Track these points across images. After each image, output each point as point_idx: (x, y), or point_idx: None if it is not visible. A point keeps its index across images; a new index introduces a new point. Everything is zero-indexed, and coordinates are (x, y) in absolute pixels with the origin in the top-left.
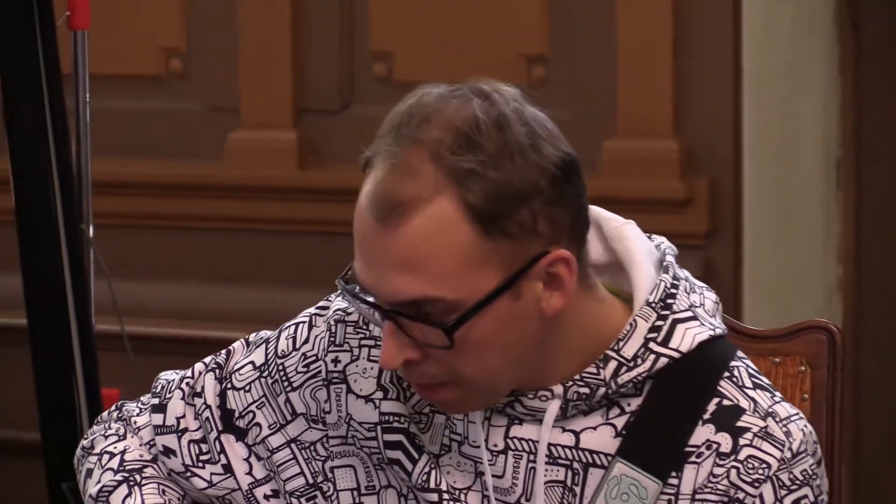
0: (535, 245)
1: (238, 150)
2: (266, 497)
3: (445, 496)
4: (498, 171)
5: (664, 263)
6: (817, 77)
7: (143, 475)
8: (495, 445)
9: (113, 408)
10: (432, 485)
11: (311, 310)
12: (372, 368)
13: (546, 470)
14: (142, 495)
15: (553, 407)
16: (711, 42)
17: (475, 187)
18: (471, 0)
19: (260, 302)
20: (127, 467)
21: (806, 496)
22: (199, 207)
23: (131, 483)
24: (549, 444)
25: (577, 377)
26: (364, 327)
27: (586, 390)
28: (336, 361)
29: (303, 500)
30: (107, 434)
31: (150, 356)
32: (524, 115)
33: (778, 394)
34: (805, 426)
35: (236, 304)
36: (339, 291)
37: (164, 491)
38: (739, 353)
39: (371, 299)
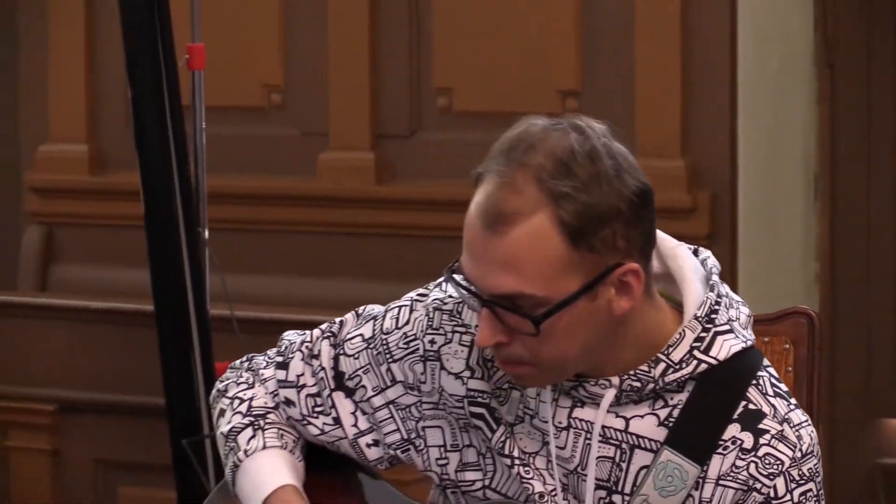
0: (612, 257)
1: (327, 168)
2: (368, 445)
3: (517, 461)
4: (588, 196)
5: (710, 282)
6: (799, 108)
7: (267, 420)
8: (560, 423)
9: (245, 358)
10: (507, 451)
11: (413, 295)
12: (462, 351)
13: (599, 447)
14: (264, 438)
15: (609, 395)
16: (712, 79)
17: (569, 207)
18: (516, 45)
19: (343, 291)
20: (254, 412)
21: (811, 489)
22: (295, 214)
23: (256, 427)
24: (604, 426)
25: (632, 372)
26: (457, 316)
27: (638, 384)
28: (433, 342)
29: (398, 451)
30: (238, 381)
31: (255, 336)
32: (611, 149)
33: (793, 401)
34: (812, 432)
35: (324, 293)
36: (439, 280)
37: (282, 435)
38: (765, 363)
39: (473, 289)
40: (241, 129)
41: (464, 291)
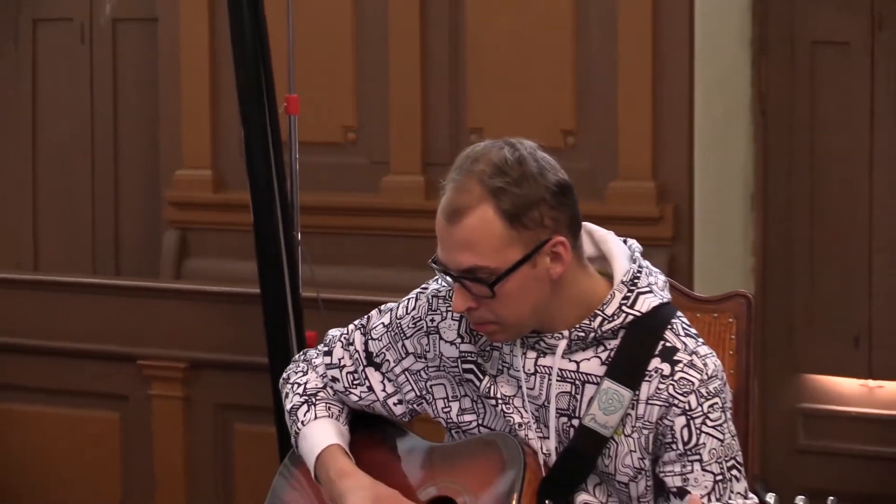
0: (544, 234)
1: (388, 188)
2: (394, 404)
3: (500, 402)
4: (519, 188)
5: (633, 257)
6: (740, 144)
7: (317, 398)
8: (528, 370)
9: (301, 353)
10: (492, 395)
11: (417, 290)
12: (454, 324)
13: (558, 385)
14: (315, 411)
15: (562, 344)
16: (675, 122)
17: (504, 198)
18: (529, 96)
19: (399, 278)
20: (308, 392)
21: (717, 402)
22: (365, 222)
23: (310, 403)
24: (560, 369)
25: (577, 326)
26: (449, 300)
27: (582, 334)
28: (433, 320)
29: (415, 406)
30: (296, 371)
31: (334, 311)
32: (536, 155)
33: (700, 340)
34: (716, 361)
35: (386, 280)
36: (436, 277)
37: (329, 408)
38: (678, 314)
39: (446, 269)
40: (324, 158)
41: (441, 273)
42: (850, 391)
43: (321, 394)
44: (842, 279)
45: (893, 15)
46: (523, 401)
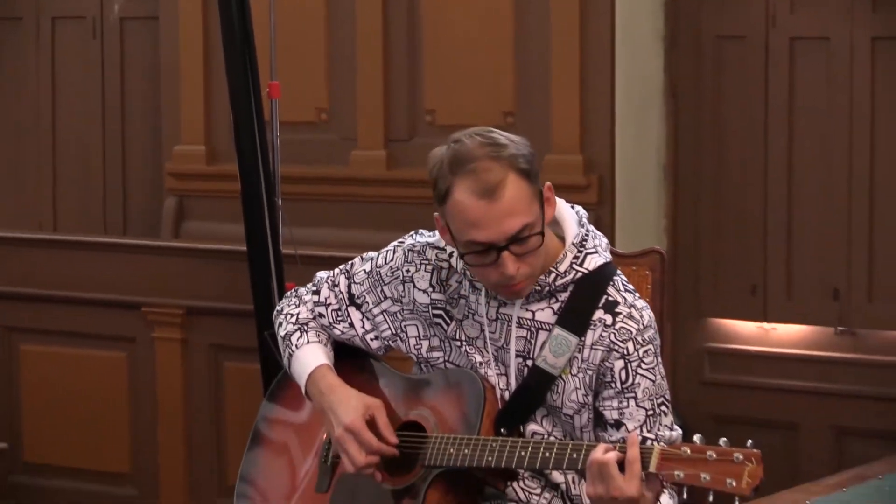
0: (540, 184)
1: (356, 161)
2: (371, 339)
3: (464, 343)
4: (520, 152)
5: (581, 222)
6: (654, 122)
7: (309, 326)
8: (491, 317)
9: (292, 291)
10: (457, 337)
11: (395, 242)
12: (426, 275)
13: (516, 330)
14: (307, 337)
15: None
16: (599, 104)
17: (521, 161)
18: (474, 82)
19: (365, 238)
20: (300, 322)
21: (650, 349)
22: (335, 190)
23: (303, 331)
24: (518, 317)
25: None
26: (422, 254)
27: (539, 288)
28: (408, 271)
29: (390, 342)
30: (289, 304)
31: (311, 266)
32: (505, 132)
33: (637, 295)
34: (650, 314)
35: (353, 239)
36: (411, 233)
37: (318, 335)
38: (619, 272)
39: (488, 249)
40: (301, 136)
41: (482, 259)
42: (748, 332)
43: (312, 323)
44: (740, 237)
45: (784, 13)
46: (485, 342)
